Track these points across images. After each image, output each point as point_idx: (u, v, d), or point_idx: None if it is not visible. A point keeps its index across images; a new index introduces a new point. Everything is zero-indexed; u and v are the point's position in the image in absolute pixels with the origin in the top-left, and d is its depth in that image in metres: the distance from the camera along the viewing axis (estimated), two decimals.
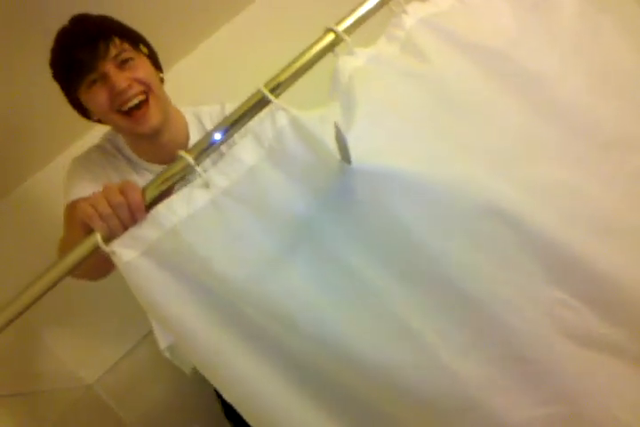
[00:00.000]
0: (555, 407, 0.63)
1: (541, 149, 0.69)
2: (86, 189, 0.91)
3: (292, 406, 0.66)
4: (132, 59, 0.90)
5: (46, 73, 0.92)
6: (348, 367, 0.66)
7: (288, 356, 0.67)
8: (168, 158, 0.66)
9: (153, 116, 0.91)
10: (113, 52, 0.88)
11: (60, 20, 0.90)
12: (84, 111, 0.97)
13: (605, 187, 0.69)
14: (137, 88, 0.89)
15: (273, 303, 0.64)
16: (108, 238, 0.63)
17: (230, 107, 1.01)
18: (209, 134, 0.67)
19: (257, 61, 1.06)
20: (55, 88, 0.93)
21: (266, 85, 0.67)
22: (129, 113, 0.90)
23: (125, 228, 0.64)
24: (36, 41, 1.00)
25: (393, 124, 0.68)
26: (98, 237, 0.62)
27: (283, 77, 0.68)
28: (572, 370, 0.62)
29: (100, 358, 1.39)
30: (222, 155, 0.69)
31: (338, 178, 0.64)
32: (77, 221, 0.66)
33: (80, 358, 1.37)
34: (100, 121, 0.99)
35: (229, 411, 0.96)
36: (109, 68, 0.87)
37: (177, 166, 0.65)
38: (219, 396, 0.68)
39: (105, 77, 0.88)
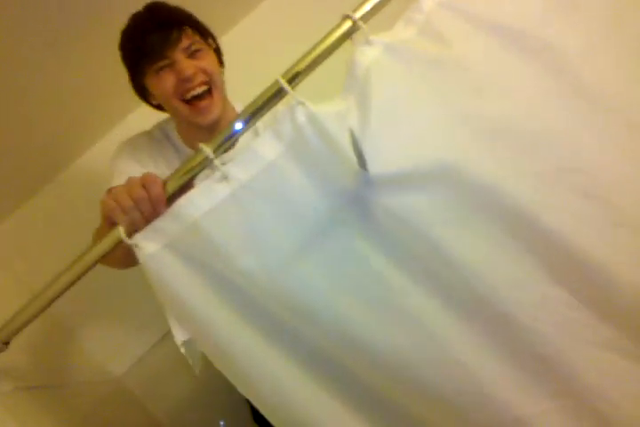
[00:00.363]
0: (565, 400, 0.64)
1: (566, 132, 0.67)
2: (131, 173, 0.92)
3: (311, 402, 0.67)
4: (200, 50, 0.92)
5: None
6: (364, 361, 0.66)
7: (308, 351, 0.67)
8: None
9: (214, 109, 0.93)
10: (185, 41, 0.89)
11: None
12: (145, 95, 0.98)
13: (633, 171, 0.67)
14: (201, 77, 0.91)
15: (292, 297, 0.65)
16: (131, 231, 0.64)
17: None
18: (228, 127, 0.67)
19: (276, 53, 1.06)
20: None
21: (283, 76, 0.67)
22: (191, 102, 0.91)
23: (147, 221, 0.64)
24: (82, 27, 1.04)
25: (410, 120, 0.68)
26: (121, 230, 0.63)
27: (300, 67, 0.68)
28: (579, 366, 0.64)
29: (128, 351, 1.42)
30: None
31: (355, 179, 0.65)
32: (102, 214, 0.67)
33: (109, 351, 1.40)
34: (159, 107, 1.00)
35: (257, 415, 0.97)
36: (179, 55, 0.89)
37: (197, 159, 0.65)
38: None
39: (173, 64, 0.89)
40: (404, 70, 0.69)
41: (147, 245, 0.64)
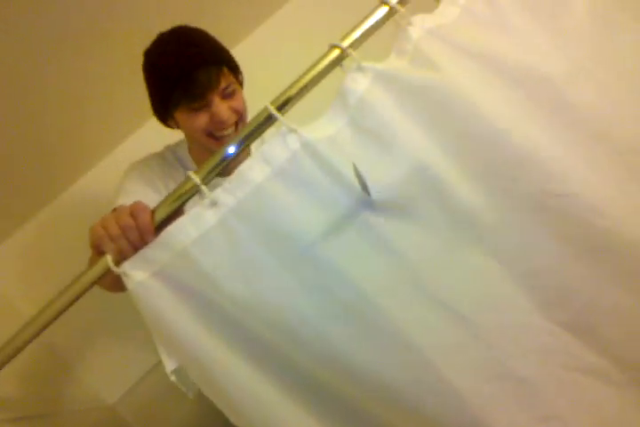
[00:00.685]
0: (550, 423, 0.64)
1: (551, 158, 0.67)
2: (138, 193, 0.93)
3: None
4: (234, 90, 0.94)
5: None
6: (353, 384, 0.65)
7: (297, 376, 0.66)
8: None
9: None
10: (223, 83, 0.90)
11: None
12: (166, 119, 0.99)
13: (618, 193, 0.67)
14: (233, 118, 0.93)
15: (281, 324, 0.64)
16: (119, 260, 0.64)
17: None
18: (218, 154, 0.68)
19: (271, 76, 1.07)
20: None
21: (272, 103, 0.68)
22: (219, 138, 0.93)
23: (135, 249, 0.64)
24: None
25: (404, 144, 0.69)
26: (108, 258, 0.63)
27: (289, 94, 0.68)
28: (563, 391, 0.65)
29: (121, 378, 1.39)
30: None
31: (351, 203, 0.66)
32: (90, 242, 0.66)
33: (101, 378, 1.37)
34: (170, 125, 1.00)
35: None
36: (216, 98, 0.90)
37: (185, 186, 0.65)
38: None
39: (209, 105, 0.90)
40: (397, 97, 0.70)
41: (135, 273, 0.63)
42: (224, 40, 0.96)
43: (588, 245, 0.67)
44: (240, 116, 0.94)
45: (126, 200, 0.90)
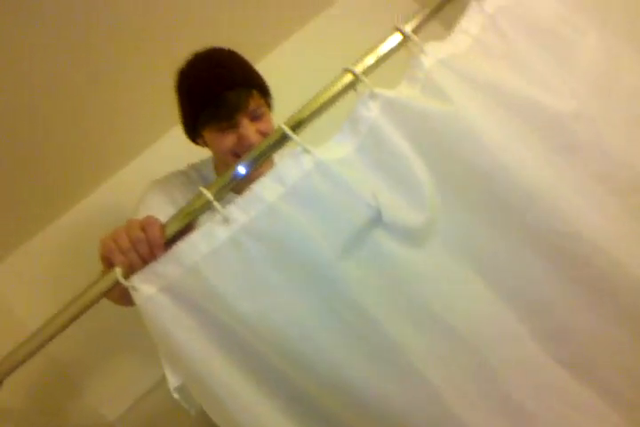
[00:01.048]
0: None
1: (556, 196, 0.67)
2: (158, 209, 0.93)
3: None
4: (263, 112, 0.96)
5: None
6: (356, 409, 0.65)
7: (301, 398, 0.65)
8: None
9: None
10: (252, 105, 0.93)
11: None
12: (193, 136, 1.02)
13: (620, 233, 0.68)
14: (260, 140, 0.93)
15: (289, 344, 0.64)
16: (129, 273, 0.64)
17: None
18: (231, 170, 0.69)
19: (283, 97, 1.09)
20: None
21: (286, 123, 0.69)
22: None
23: (145, 263, 0.64)
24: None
25: (415, 173, 0.70)
26: (117, 271, 0.63)
27: (302, 115, 0.69)
28: (551, 416, 0.65)
29: (122, 394, 1.38)
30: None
31: (363, 225, 0.67)
32: (100, 255, 0.67)
33: (102, 394, 1.36)
34: (200, 144, 1.03)
35: None
36: (245, 120, 0.93)
37: (198, 202, 0.66)
38: None
39: (237, 126, 0.93)
40: (406, 126, 0.71)
41: (144, 287, 0.64)
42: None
43: (589, 283, 0.67)
44: None
45: (144, 215, 0.91)
